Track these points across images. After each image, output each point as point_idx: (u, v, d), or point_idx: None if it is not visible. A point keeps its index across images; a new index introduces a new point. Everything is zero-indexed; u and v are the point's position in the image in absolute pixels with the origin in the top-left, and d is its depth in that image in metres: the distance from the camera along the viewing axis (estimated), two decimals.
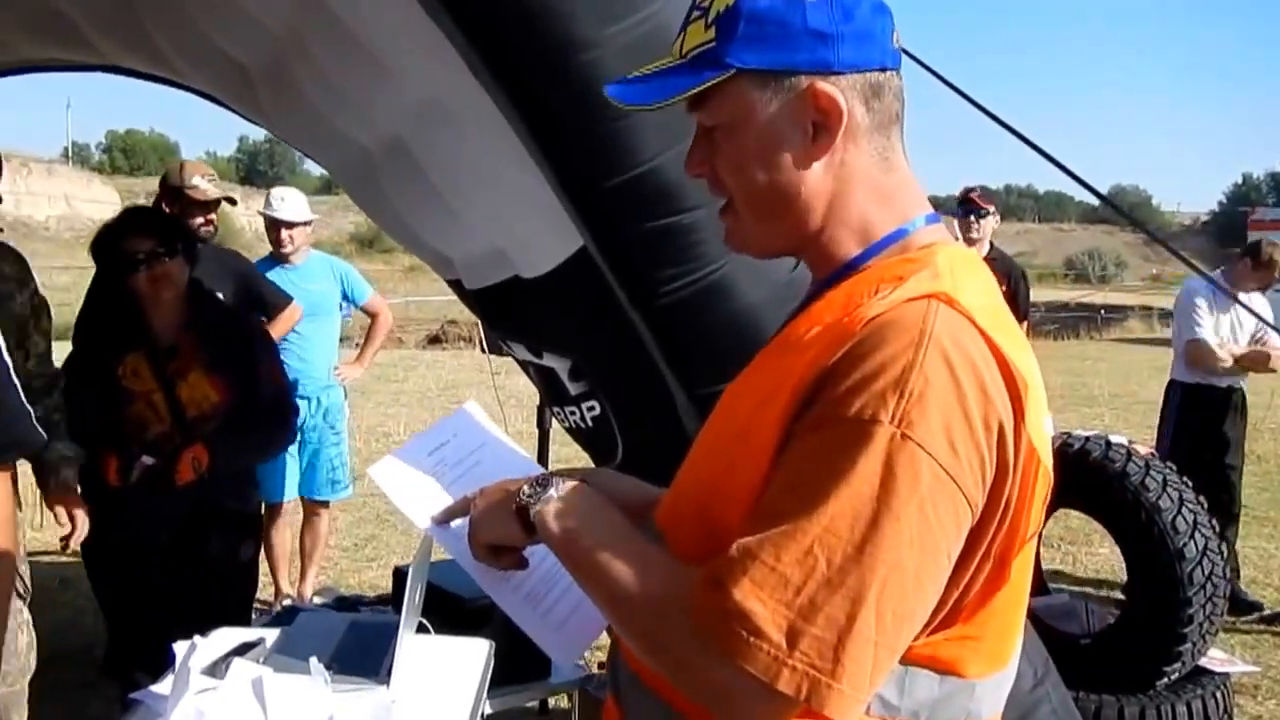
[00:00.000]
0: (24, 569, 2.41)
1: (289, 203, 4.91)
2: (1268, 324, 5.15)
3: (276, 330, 4.44)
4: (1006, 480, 0.99)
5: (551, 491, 1.19)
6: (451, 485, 1.43)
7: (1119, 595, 4.43)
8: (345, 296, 5.20)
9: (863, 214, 1.12)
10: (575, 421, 2.71)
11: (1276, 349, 5.47)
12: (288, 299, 4.57)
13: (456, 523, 1.38)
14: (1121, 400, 12.78)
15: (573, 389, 2.66)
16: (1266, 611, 5.40)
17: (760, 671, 0.92)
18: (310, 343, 4.82)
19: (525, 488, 1.22)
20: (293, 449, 4.83)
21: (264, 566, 4.26)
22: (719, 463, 1.10)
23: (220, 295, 3.81)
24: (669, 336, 2.23)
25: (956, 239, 1.18)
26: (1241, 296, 5.42)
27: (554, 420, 3.12)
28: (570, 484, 1.21)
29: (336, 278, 5.14)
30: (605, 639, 1.45)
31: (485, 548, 1.28)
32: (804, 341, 1.04)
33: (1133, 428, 10.03)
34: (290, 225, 4.86)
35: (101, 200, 44.95)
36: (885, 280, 1.05)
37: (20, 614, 2.41)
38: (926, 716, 1.06)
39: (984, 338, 0.99)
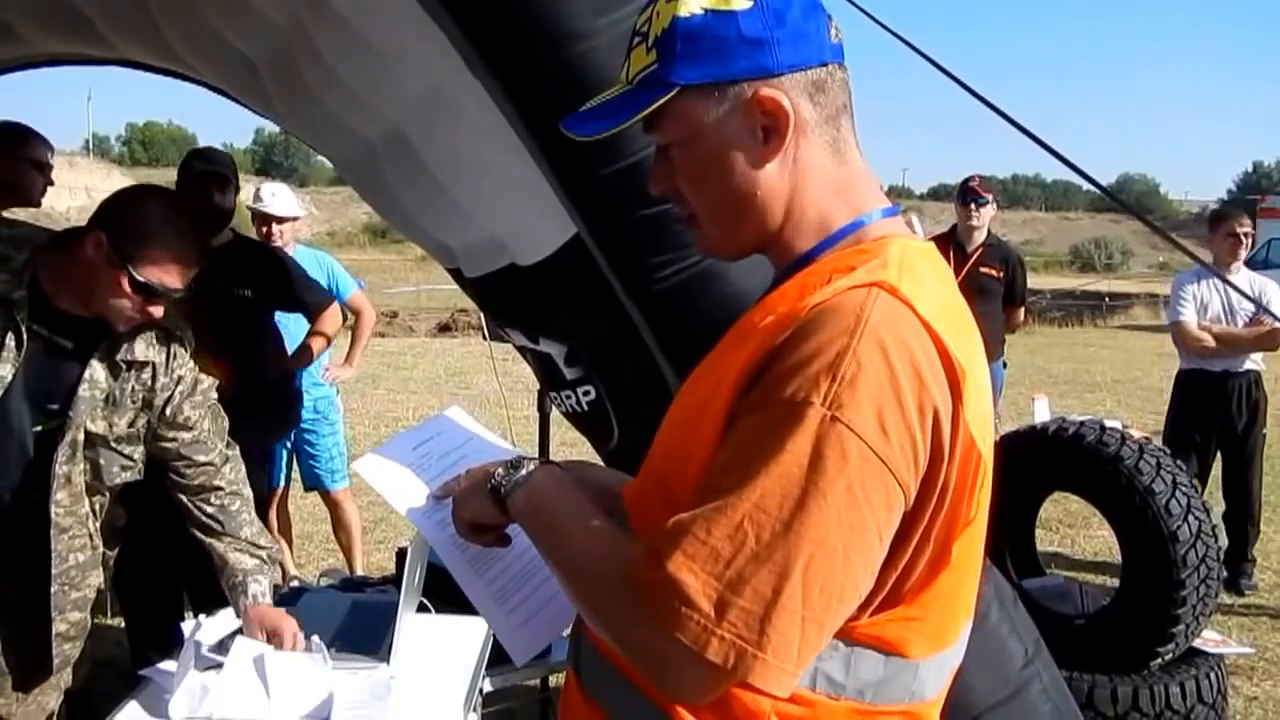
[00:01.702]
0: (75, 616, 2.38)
1: (279, 198, 4.93)
2: (1253, 300, 5.14)
3: (327, 329, 4.43)
4: (942, 464, 1.02)
5: (522, 472, 1.27)
6: (436, 479, 1.47)
7: (1117, 578, 4.46)
8: (332, 290, 5.21)
9: (820, 208, 1.16)
10: (571, 406, 2.73)
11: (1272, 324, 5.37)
12: (330, 298, 4.49)
13: (439, 512, 1.43)
14: (1124, 386, 12.79)
15: (569, 374, 2.68)
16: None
17: (690, 640, 0.96)
18: (301, 335, 4.77)
19: (499, 469, 1.29)
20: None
21: None
22: (677, 443, 1.15)
23: (249, 292, 3.85)
24: (663, 323, 2.25)
25: (916, 234, 1.21)
26: (1239, 276, 5.42)
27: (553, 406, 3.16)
28: (539, 465, 1.28)
29: (324, 270, 5.14)
30: None
31: (467, 525, 1.34)
32: (755, 329, 1.08)
33: (1135, 413, 10.06)
34: (281, 220, 4.88)
35: None
36: (838, 271, 1.08)
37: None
38: (871, 696, 1.10)
39: (924, 325, 1.02)
